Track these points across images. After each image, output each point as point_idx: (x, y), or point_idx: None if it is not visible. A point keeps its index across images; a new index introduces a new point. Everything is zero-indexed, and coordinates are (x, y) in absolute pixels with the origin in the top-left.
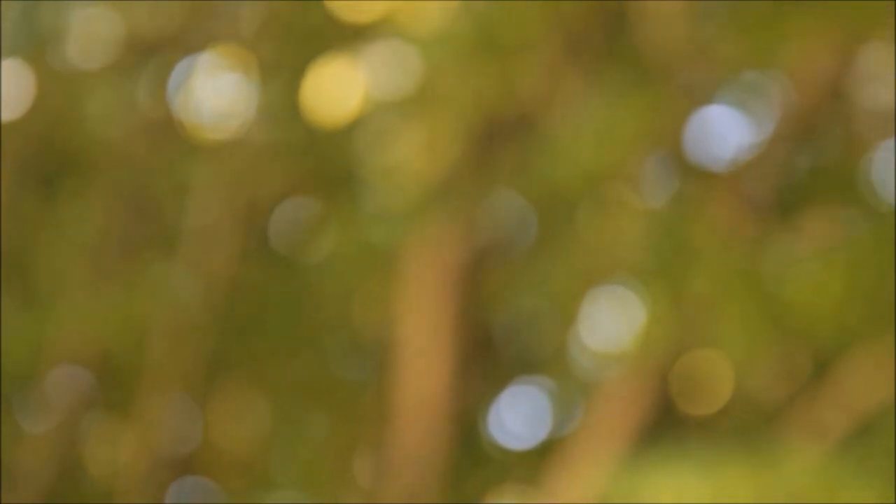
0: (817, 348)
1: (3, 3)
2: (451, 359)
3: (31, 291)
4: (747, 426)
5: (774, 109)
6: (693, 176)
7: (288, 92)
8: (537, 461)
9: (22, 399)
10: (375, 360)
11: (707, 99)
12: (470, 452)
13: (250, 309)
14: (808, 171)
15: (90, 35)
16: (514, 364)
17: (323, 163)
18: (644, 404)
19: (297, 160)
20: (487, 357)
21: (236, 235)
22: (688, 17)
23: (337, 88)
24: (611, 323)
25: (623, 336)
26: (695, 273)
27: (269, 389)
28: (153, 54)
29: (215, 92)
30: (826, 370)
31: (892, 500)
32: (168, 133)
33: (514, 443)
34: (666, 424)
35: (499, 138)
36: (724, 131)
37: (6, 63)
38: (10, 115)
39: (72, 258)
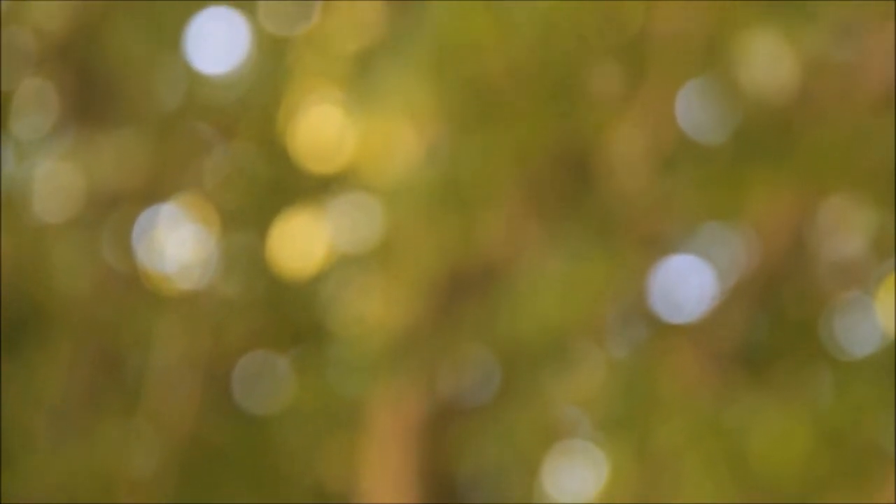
0: (782, 502)
1: None
2: None
3: None
4: None
5: (738, 261)
6: (657, 328)
7: (252, 243)
8: None
9: None
10: None
11: (671, 250)
12: None
13: (213, 462)
14: (771, 323)
15: (54, 189)
16: None
17: (287, 314)
18: None
19: (260, 312)
20: None
21: (199, 387)
22: (651, 169)
23: (301, 240)
24: (575, 476)
25: (588, 490)
26: (659, 426)
27: None
28: (116, 206)
29: (179, 243)
30: None
31: None
32: (132, 284)
33: None
34: None
35: (463, 290)
36: (688, 282)
37: None
38: None
39: (35, 411)
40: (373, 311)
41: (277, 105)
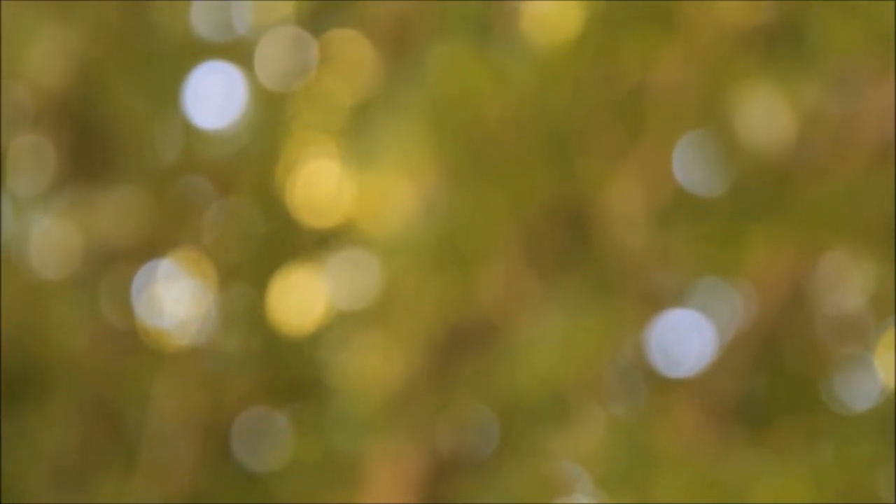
0: None
1: None
2: None
3: None
4: None
5: (736, 316)
6: (656, 383)
7: (250, 298)
8: None
9: None
10: None
11: (669, 305)
12: None
13: None
14: (770, 378)
15: (52, 245)
16: None
17: (285, 370)
18: None
19: (259, 367)
20: None
21: (197, 443)
22: (648, 223)
23: (299, 295)
24: None
25: None
26: (659, 481)
27: None
28: (114, 262)
29: (177, 298)
30: None
31: None
32: (130, 340)
33: None
34: None
35: (460, 346)
36: (687, 337)
37: None
38: None
39: (33, 468)
40: (371, 366)
41: (275, 159)
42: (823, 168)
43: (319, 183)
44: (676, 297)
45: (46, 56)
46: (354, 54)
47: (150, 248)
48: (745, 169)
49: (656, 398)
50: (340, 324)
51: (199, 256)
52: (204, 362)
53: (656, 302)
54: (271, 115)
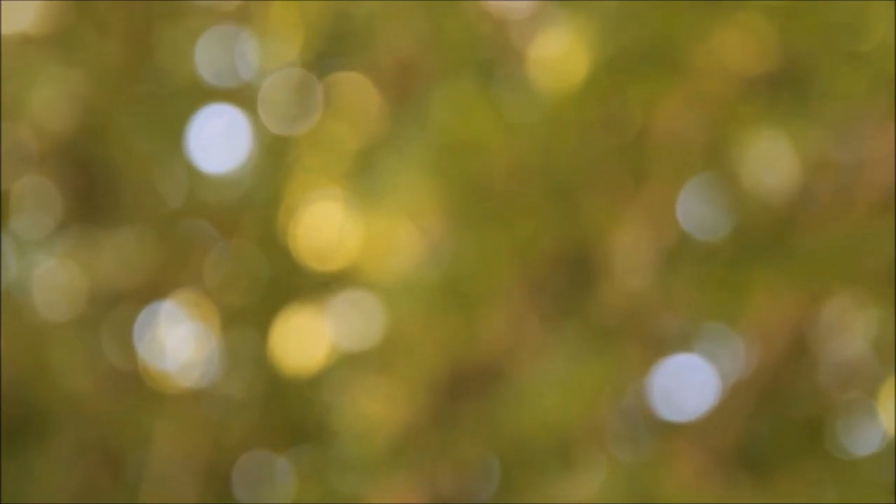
0: None
1: None
2: None
3: None
4: None
5: (739, 361)
6: (658, 427)
7: (253, 341)
8: None
9: None
10: None
11: (672, 349)
12: None
13: None
14: (773, 423)
15: (55, 287)
16: None
17: (287, 413)
18: None
19: (261, 410)
20: None
21: (199, 485)
22: (652, 268)
23: (302, 338)
24: None
25: None
26: None
27: None
28: (117, 304)
29: (179, 341)
30: None
31: None
32: (132, 382)
33: None
34: None
35: (463, 389)
36: (690, 382)
37: None
38: None
39: None
40: (373, 409)
41: (279, 202)
42: (827, 214)
43: (323, 226)
44: (679, 342)
45: (50, 98)
46: (359, 98)
47: (153, 290)
48: (749, 214)
49: (659, 443)
50: (343, 366)
51: (202, 299)
52: (206, 404)
53: (659, 346)
54: (275, 158)
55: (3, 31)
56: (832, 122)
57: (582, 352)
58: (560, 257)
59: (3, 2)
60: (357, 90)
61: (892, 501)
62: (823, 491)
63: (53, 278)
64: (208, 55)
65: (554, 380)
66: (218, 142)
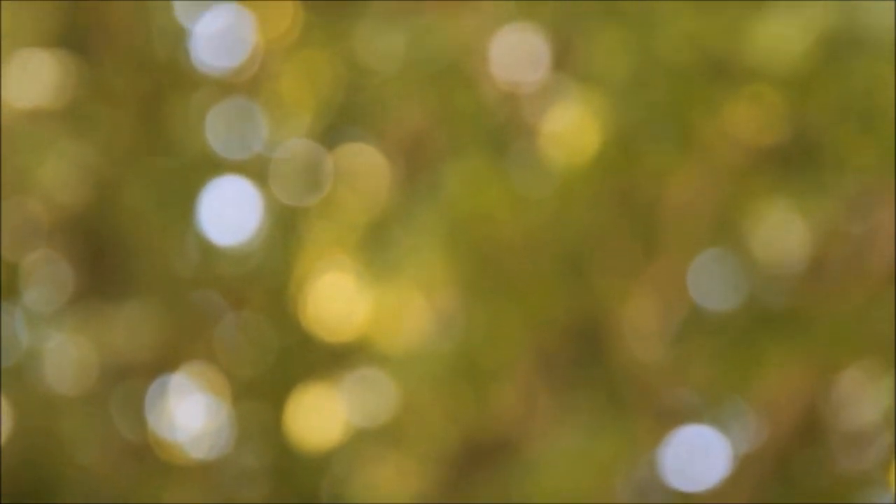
0: None
1: None
2: None
3: None
4: None
5: (751, 432)
6: (670, 499)
7: (264, 413)
8: None
9: None
10: None
11: (684, 421)
12: None
13: None
14: (785, 494)
15: (65, 360)
16: None
17: (299, 486)
18: None
19: (272, 483)
20: None
21: None
22: (663, 340)
23: (314, 411)
24: None
25: None
26: None
27: None
28: (128, 376)
29: (191, 413)
30: None
31: None
32: (143, 454)
33: None
34: None
35: (475, 462)
36: (702, 454)
37: None
38: None
39: None
40: (386, 482)
41: (289, 274)
42: (838, 286)
43: (334, 298)
44: (691, 414)
45: (61, 171)
46: (369, 170)
47: (164, 363)
48: (761, 286)
49: None
50: (355, 439)
51: (212, 371)
52: (217, 476)
53: (671, 418)
54: (286, 229)
55: (16, 105)
56: (843, 194)
57: (594, 424)
58: (571, 329)
59: (15, 77)
60: (367, 162)
61: None
62: None
63: (64, 352)
64: (219, 127)
65: (566, 452)
66: (229, 213)
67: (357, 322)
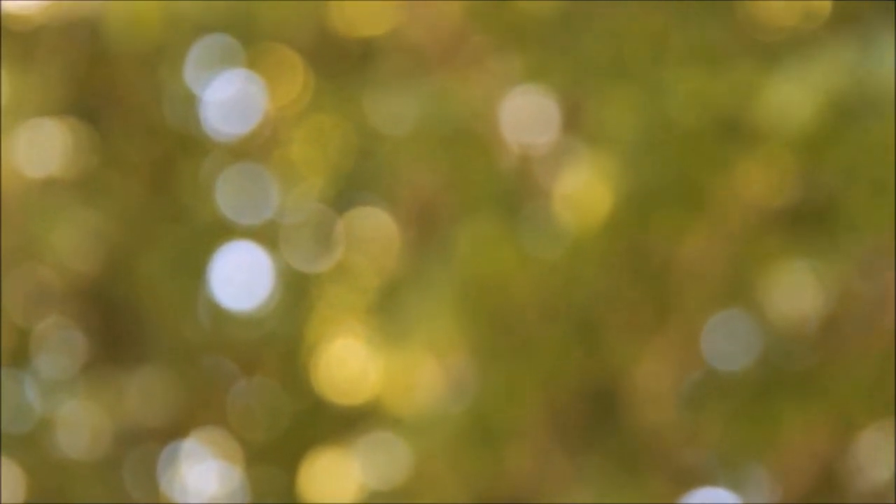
0: None
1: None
2: None
3: None
4: None
5: (766, 494)
6: None
7: (276, 478)
8: None
9: None
10: None
11: (698, 483)
12: None
13: None
14: None
15: (78, 426)
16: None
17: None
18: None
19: None
20: None
21: None
22: (677, 401)
23: (327, 475)
24: None
25: None
26: None
27: None
28: (141, 442)
29: (203, 478)
30: None
31: None
32: None
33: None
34: None
35: None
36: None
37: None
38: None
39: None
40: None
41: (301, 339)
42: (852, 346)
43: (346, 362)
44: (706, 475)
45: (73, 238)
46: (380, 234)
47: (176, 428)
48: (774, 347)
49: None
50: (369, 502)
51: (225, 436)
52: None
53: (685, 480)
54: (297, 294)
55: (28, 174)
56: (855, 254)
57: (608, 485)
58: (585, 390)
59: (27, 145)
60: (378, 226)
61: None
62: None
63: (77, 418)
64: (230, 193)
65: None
66: (240, 279)
67: (369, 385)
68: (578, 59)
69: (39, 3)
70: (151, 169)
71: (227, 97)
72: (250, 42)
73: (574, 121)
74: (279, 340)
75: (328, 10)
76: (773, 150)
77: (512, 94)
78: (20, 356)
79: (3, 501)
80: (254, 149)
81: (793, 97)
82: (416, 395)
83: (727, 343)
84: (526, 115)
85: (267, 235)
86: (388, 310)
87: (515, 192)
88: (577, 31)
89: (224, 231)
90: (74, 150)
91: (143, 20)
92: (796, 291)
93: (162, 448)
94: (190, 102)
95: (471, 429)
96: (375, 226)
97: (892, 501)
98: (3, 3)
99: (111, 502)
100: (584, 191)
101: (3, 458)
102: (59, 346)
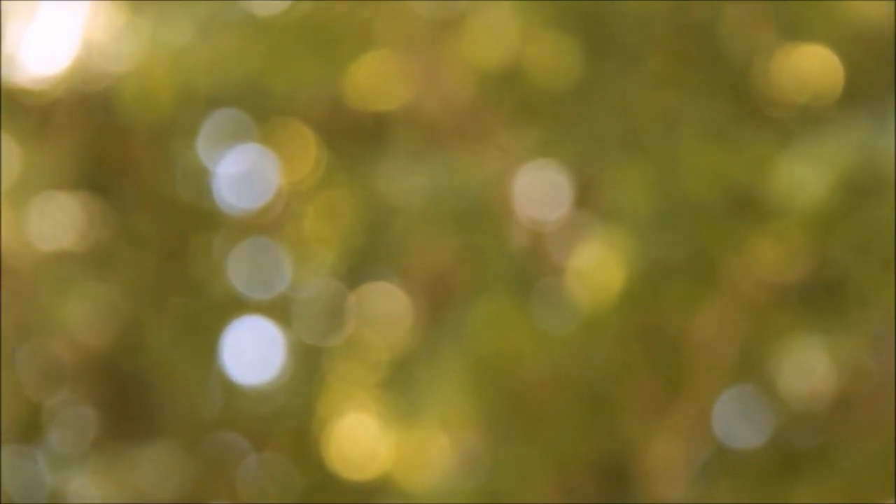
0: None
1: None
2: None
3: None
4: None
5: None
6: None
7: None
8: None
9: None
10: None
11: None
12: None
13: None
14: None
15: (89, 501)
16: None
17: None
18: None
19: None
20: None
21: None
22: (688, 477)
23: None
24: None
25: None
26: None
27: None
28: None
29: None
30: None
31: None
32: None
33: None
34: None
35: None
36: None
37: None
38: None
39: None
40: None
41: (312, 414)
42: (864, 423)
43: (357, 437)
44: None
45: (84, 312)
46: (392, 308)
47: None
48: (786, 424)
49: None
50: None
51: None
52: None
53: None
54: (309, 369)
55: (41, 248)
56: (867, 331)
57: None
58: (596, 467)
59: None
60: (390, 301)
61: None
62: None
63: (88, 493)
64: (242, 267)
65: None
66: (252, 353)
67: (380, 461)
68: (591, 134)
69: (53, 76)
70: (163, 243)
71: (239, 171)
72: (263, 116)
73: (587, 196)
74: (290, 415)
75: (341, 84)
76: (784, 227)
77: (524, 169)
78: (32, 431)
79: None
80: (266, 223)
81: (805, 174)
82: (428, 470)
83: (738, 419)
84: (538, 190)
85: (278, 310)
86: (400, 385)
87: (528, 268)
88: (590, 106)
89: (236, 305)
90: (87, 224)
91: (155, 94)
92: (807, 367)
93: None
94: (202, 176)
95: (482, 497)
96: (387, 301)
97: None
98: (17, 76)
99: None
100: (596, 266)
101: None
102: (70, 420)
